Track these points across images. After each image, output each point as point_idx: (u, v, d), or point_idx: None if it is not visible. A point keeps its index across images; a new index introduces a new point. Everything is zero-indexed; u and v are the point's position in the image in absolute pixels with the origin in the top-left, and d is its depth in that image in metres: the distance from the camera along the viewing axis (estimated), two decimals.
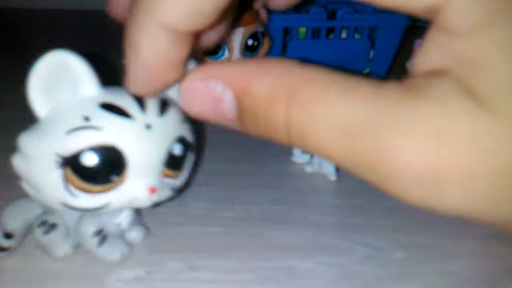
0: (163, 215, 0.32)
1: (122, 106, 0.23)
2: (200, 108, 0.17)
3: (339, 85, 0.15)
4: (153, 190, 0.24)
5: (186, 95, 0.17)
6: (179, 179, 0.27)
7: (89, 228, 0.27)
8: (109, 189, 0.24)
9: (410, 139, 0.13)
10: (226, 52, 0.44)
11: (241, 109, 0.16)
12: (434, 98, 0.13)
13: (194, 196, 0.34)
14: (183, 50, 0.18)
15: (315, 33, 0.54)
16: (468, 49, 0.13)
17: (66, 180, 0.23)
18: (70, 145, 0.22)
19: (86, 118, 0.23)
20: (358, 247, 0.29)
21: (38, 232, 0.27)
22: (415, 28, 0.72)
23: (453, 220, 0.32)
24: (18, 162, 0.24)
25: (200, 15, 0.16)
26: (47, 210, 0.27)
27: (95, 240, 0.27)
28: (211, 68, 0.17)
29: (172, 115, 0.25)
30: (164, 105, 0.25)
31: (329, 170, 0.36)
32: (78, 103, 0.23)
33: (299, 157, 0.39)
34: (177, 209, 0.33)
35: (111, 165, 0.23)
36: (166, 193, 0.26)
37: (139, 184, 0.24)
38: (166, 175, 0.25)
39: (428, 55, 0.15)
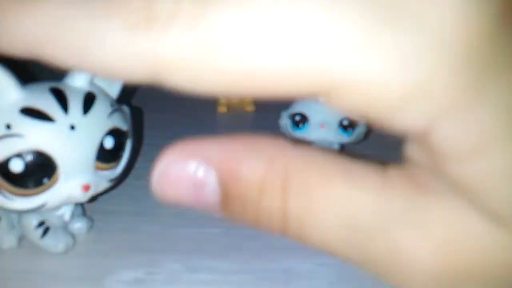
0: (161, 217, 0.32)
1: (44, 109, 0.24)
2: (176, 193, 0.14)
3: (341, 171, 0.13)
4: (86, 188, 0.25)
5: (160, 178, 0.14)
6: (116, 169, 0.27)
7: (31, 220, 0.27)
8: (42, 191, 0.25)
9: (424, 242, 0.13)
10: None
11: (226, 195, 0.14)
12: (440, 197, 0.13)
13: None
14: None
15: None
16: (464, 174, 0.12)
17: None
18: None
19: (8, 126, 0.23)
20: None
21: None
22: None
23: None
24: None
25: None
26: None
27: (38, 232, 0.27)
28: (190, 146, 0.14)
29: (98, 111, 0.25)
30: (88, 102, 0.25)
31: None
32: (0, 111, 0.24)
33: None
34: (175, 211, 0.33)
35: (39, 169, 0.24)
36: (103, 185, 0.27)
37: (72, 183, 0.25)
38: (101, 169, 0.26)
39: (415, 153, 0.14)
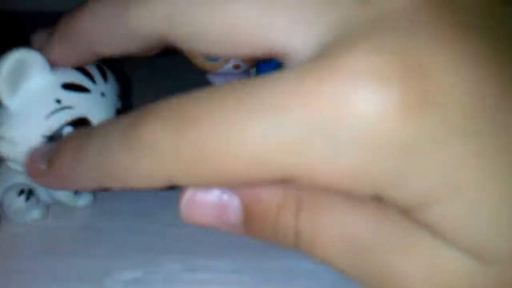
0: (160, 215, 0.32)
1: (79, 83, 0.29)
2: (203, 218, 0.18)
3: (346, 196, 0.14)
4: None
5: (187, 205, 0.18)
6: None
7: None
8: None
9: (414, 269, 0.14)
10: None
11: (248, 217, 0.16)
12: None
13: None
14: None
15: None
16: (430, 219, 0.14)
17: None
18: (53, 126, 0.28)
19: (58, 101, 0.28)
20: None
21: (19, 199, 0.31)
22: None
23: None
24: (2, 147, 0.28)
25: None
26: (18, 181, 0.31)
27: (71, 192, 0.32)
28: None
29: (110, 78, 0.31)
30: (104, 72, 0.31)
31: None
32: (45, 89, 0.28)
33: None
34: (175, 209, 0.33)
35: None
36: None
37: None
38: None
39: None
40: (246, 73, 0.48)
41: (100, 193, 0.35)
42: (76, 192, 0.33)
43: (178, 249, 0.29)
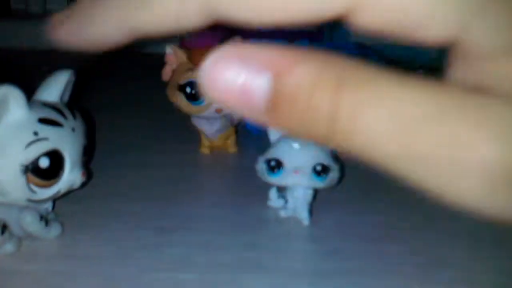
0: (136, 261, 0.33)
1: (53, 118, 0.32)
2: (223, 91, 0.14)
3: (394, 76, 0.13)
4: (84, 174, 0.34)
5: (209, 74, 0.14)
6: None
7: (35, 215, 0.33)
8: (57, 181, 0.33)
9: (488, 136, 0.12)
10: (207, 98, 0.45)
11: (277, 95, 0.13)
12: (502, 98, 0.12)
13: (170, 241, 0.35)
14: None
15: None
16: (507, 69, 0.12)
17: (28, 181, 0.31)
18: (30, 155, 0.31)
19: (35, 133, 0.31)
20: None
21: None
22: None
23: (422, 263, 0.33)
24: None
25: None
26: None
27: (43, 223, 0.33)
28: (242, 48, 0.14)
29: (78, 116, 0.35)
30: (73, 111, 0.34)
31: (302, 215, 0.37)
32: (23, 122, 0.31)
33: (274, 201, 0.40)
34: (153, 254, 0.33)
35: (57, 163, 0.32)
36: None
37: (75, 172, 0.33)
38: (83, 160, 0.35)
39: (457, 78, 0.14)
40: (228, 117, 0.50)
41: (72, 238, 0.35)
42: (47, 224, 0.34)
43: None
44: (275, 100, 0.13)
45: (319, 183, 0.35)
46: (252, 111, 0.14)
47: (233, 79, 0.13)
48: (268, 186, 0.44)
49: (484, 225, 0.38)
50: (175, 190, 0.43)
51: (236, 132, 0.52)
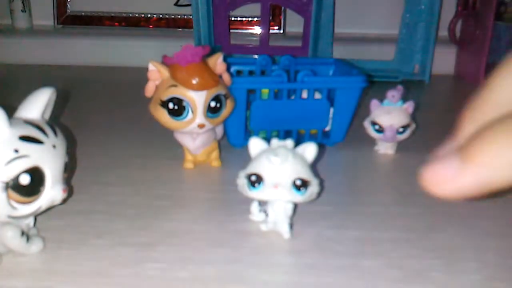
0: (118, 277, 0.33)
1: (34, 135, 0.32)
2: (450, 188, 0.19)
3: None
4: (65, 191, 0.34)
5: (434, 180, 0.19)
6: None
7: (17, 231, 0.33)
8: (38, 197, 0.33)
9: None
10: (190, 114, 0.46)
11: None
12: None
13: (151, 257, 0.35)
14: None
15: (277, 94, 0.56)
16: None
17: (9, 198, 0.31)
18: (11, 172, 0.31)
19: (16, 150, 0.31)
20: None
21: None
22: (375, 84, 0.75)
23: (395, 277, 0.33)
24: None
25: None
26: None
27: (24, 239, 0.34)
28: (449, 153, 0.19)
29: (60, 135, 0.35)
30: (54, 128, 0.34)
31: (283, 228, 0.38)
32: (4, 140, 0.31)
33: (255, 215, 0.40)
34: (134, 270, 0.34)
35: (38, 180, 0.32)
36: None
37: (56, 188, 0.33)
38: (64, 177, 0.35)
39: None
40: (212, 131, 0.50)
41: (53, 253, 0.35)
42: (28, 240, 0.34)
43: None
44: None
45: (299, 197, 0.36)
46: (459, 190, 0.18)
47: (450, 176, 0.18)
48: (249, 200, 0.44)
49: (461, 239, 0.39)
50: (157, 206, 0.43)
51: (219, 146, 0.53)
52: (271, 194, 0.36)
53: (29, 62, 1.01)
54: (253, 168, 0.37)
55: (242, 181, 0.37)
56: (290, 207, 0.38)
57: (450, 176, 0.19)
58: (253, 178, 0.36)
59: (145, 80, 0.47)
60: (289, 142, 0.37)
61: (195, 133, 0.49)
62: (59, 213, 0.40)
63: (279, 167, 0.36)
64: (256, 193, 0.37)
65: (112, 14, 1.10)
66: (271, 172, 0.36)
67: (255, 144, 0.38)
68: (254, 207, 0.40)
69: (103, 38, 1.04)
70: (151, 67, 0.47)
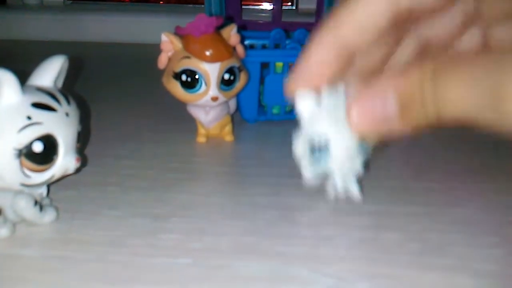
0: (133, 246, 0.32)
1: (47, 102, 0.32)
2: (371, 121, 0.21)
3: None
4: (78, 160, 0.34)
5: (359, 114, 0.21)
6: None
7: (30, 200, 0.33)
8: (51, 166, 0.32)
9: None
10: (203, 86, 0.45)
11: (401, 103, 0.20)
12: None
13: (165, 228, 0.35)
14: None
15: (292, 68, 0.55)
16: None
17: (22, 165, 0.31)
18: (24, 140, 0.30)
19: (29, 117, 0.30)
20: (322, 278, 0.30)
21: None
22: None
23: (416, 250, 0.33)
24: None
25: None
26: None
27: (37, 208, 0.33)
28: (378, 84, 0.21)
29: (73, 103, 0.34)
30: (67, 96, 0.34)
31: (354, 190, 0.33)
32: (16, 107, 0.30)
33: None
34: (147, 241, 0.33)
35: (51, 148, 0.32)
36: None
37: (69, 157, 0.33)
38: (77, 147, 0.35)
39: None
40: (225, 105, 0.49)
41: (67, 223, 0.35)
42: (42, 209, 0.34)
43: (146, 280, 0.29)
44: (401, 107, 0.20)
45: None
46: (388, 123, 0.21)
47: (378, 107, 0.21)
48: (263, 175, 0.43)
49: (481, 214, 0.38)
50: (170, 179, 0.42)
51: (233, 121, 0.52)
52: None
53: (39, 38, 1.00)
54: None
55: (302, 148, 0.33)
56: (358, 162, 0.34)
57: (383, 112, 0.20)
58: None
59: (155, 56, 0.46)
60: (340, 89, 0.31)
61: (208, 107, 0.48)
62: (73, 184, 0.40)
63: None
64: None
65: None
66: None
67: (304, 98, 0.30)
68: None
69: (113, 14, 1.03)
70: (163, 37, 0.46)
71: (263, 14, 1.03)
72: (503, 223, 0.36)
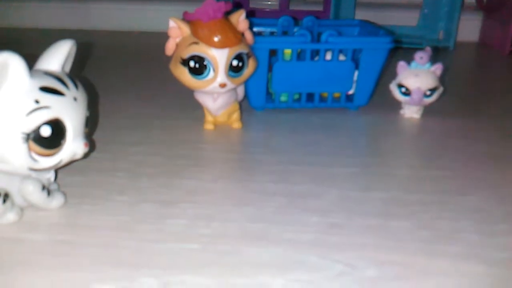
0: (141, 232, 0.32)
1: (55, 86, 0.31)
2: None
3: None
4: (86, 145, 0.33)
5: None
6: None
7: (37, 185, 0.33)
8: (59, 150, 0.32)
9: None
10: (212, 72, 0.45)
11: None
12: None
13: (173, 213, 0.35)
14: None
15: (300, 55, 0.55)
16: None
17: (30, 150, 0.30)
18: (31, 124, 0.30)
19: (37, 101, 0.30)
20: (331, 264, 0.30)
21: None
22: (398, 50, 0.73)
23: (426, 238, 0.32)
24: None
25: None
26: None
27: (45, 193, 0.33)
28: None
29: (80, 86, 0.34)
30: (75, 81, 0.33)
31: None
32: (24, 90, 0.30)
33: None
34: (156, 226, 0.33)
35: (59, 132, 0.32)
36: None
37: (77, 142, 0.33)
38: (85, 132, 0.34)
39: None
40: (233, 92, 0.49)
41: (74, 208, 0.35)
42: (49, 194, 0.34)
43: (155, 265, 0.29)
44: None
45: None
46: None
47: None
48: (271, 161, 0.43)
49: (490, 203, 0.37)
50: (178, 166, 0.42)
51: (241, 108, 0.52)
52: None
53: (45, 27, 1.00)
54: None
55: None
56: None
57: None
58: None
59: (163, 44, 0.45)
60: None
61: (216, 93, 0.47)
62: (82, 170, 0.40)
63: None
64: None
65: None
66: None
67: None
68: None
69: (123, 2, 1.03)
70: (171, 23, 0.45)
71: (270, 2, 1.02)
72: (510, 212, 0.36)
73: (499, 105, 0.43)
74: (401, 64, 0.52)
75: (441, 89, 0.52)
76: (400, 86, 0.52)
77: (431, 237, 0.33)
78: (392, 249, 0.31)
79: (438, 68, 0.52)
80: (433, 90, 0.51)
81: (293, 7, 0.98)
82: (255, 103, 0.55)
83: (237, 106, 0.51)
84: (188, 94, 0.49)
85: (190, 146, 0.46)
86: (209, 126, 0.50)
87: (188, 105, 0.52)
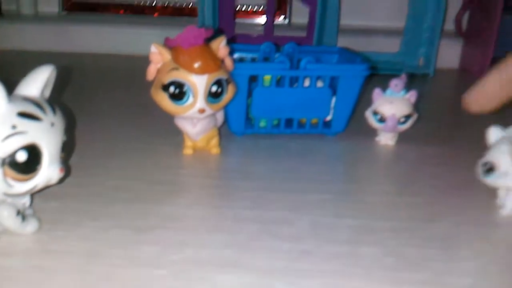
0: (113, 257, 0.33)
1: (32, 112, 0.32)
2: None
3: None
4: (62, 170, 0.34)
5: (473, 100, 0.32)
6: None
7: (12, 210, 0.33)
8: (35, 176, 0.32)
9: None
10: (191, 98, 0.46)
11: None
12: None
13: (146, 239, 0.35)
14: None
15: (279, 81, 0.56)
16: None
17: (5, 175, 0.31)
18: (7, 149, 0.30)
19: (14, 126, 0.31)
20: None
21: None
22: (376, 77, 0.74)
23: (392, 265, 0.33)
24: None
25: None
26: None
27: (19, 218, 0.34)
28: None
29: (59, 113, 0.34)
30: (53, 106, 0.34)
31: None
32: (1, 115, 0.31)
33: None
34: (128, 252, 0.33)
35: (35, 158, 0.32)
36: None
37: (53, 167, 0.33)
38: (61, 157, 0.35)
39: None
40: (212, 117, 0.50)
41: (49, 234, 0.35)
42: (24, 220, 0.34)
43: None
44: None
45: None
46: None
47: None
48: (245, 188, 0.44)
49: (457, 227, 0.38)
50: (154, 191, 0.43)
51: (219, 134, 0.52)
52: (503, 182, 0.38)
53: (33, 49, 1.00)
54: (489, 156, 0.39)
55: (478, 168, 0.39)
56: None
57: None
58: (488, 166, 0.38)
59: (144, 68, 0.46)
60: None
61: (195, 119, 0.48)
62: (56, 195, 0.40)
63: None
64: (490, 180, 0.39)
65: (117, 2, 1.09)
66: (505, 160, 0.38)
67: (494, 132, 0.40)
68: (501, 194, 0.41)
69: (108, 25, 1.04)
70: (153, 49, 0.46)
71: (257, 28, 1.04)
72: (475, 238, 0.37)
73: (475, 132, 0.44)
74: (377, 92, 0.53)
75: (415, 116, 0.54)
76: (375, 113, 0.53)
77: (398, 264, 0.33)
78: (359, 276, 0.32)
79: (412, 95, 0.53)
80: (407, 117, 0.53)
81: (278, 32, 1.00)
82: (234, 128, 0.56)
83: (216, 132, 0.52)
84: (168, 119, 0.50)
85: (168, 171, 0.47)
86: (188, 151, 0.51)
87: (169, 131, 0.53)
